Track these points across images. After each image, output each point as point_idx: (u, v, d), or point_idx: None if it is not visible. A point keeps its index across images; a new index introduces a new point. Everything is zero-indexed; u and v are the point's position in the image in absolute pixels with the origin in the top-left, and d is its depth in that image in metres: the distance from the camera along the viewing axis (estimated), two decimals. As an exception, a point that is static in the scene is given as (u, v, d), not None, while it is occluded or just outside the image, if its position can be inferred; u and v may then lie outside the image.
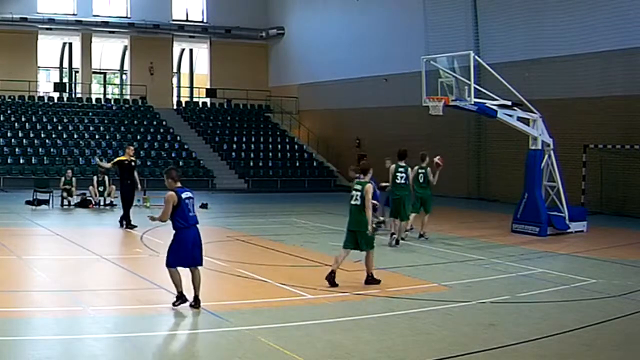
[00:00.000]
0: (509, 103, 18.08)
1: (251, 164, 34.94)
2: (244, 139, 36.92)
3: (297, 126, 39.10)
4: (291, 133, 38.95)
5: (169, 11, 39.11)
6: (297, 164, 35.89)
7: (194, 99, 41.44)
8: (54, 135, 32.73)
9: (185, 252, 9.37)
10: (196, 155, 34.33)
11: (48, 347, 7.75)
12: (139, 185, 18.86)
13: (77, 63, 38.82)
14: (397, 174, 15.58)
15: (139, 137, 34.55)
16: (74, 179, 23.11)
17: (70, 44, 39.13)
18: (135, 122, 36.17)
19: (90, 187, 23.01)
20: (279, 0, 40.76)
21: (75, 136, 33.06)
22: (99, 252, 14.11)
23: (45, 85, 39.10)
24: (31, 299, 10.11)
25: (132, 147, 19.15)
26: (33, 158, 30.31)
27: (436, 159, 16.67)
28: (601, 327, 9.15)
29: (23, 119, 33.68)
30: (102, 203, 22.87)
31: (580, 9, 23.91)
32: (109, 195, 23.04)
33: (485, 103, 17.70)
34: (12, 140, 31.71)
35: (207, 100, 40.63)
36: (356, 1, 34.24)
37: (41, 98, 36.65)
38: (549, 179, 18.54)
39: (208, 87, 40.78)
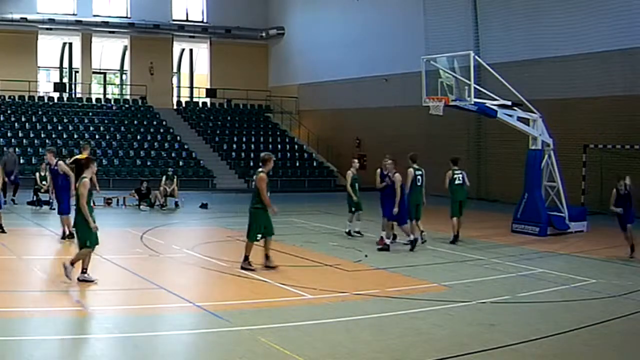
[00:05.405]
0: (509, 103, 18.09)
1: (251, 164, 34.85)
2: (244, 139, 36.90)
3: (297, 126, 39.09)
4: (291, 133, 38.94)
5: (169, 11, 39.09)
6: (297, 164, 35.87)
7: (194, 99, 41.42)
8: (54, 135, 32.70)
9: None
10: (196, 155, 34.31)
11: (48, 347, 7.76)
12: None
13: (77, 63, 38.80)
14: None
15: (139, 137, 34.55)
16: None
17: (70, 44, 39.11)
18: (135, 122, 36.16)
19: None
20: (279, 0, 40.77)
21: (75, 136, 33.02)
22: (99, 252, 14.08)
23: (45, 85, 39.05)
24: (31, 299, 10.09)
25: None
26: (33, 158, 30.29)
27: None
28: (601, 327, 9.15)
29: (23, 119, 33.67)
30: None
31: (580, 9, 23.89)
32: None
33: (485, 103, 17.70)
34: (12, 140, 31.68)
35: (207, 100, 40.61)
36: (356, 1, 34.24)
37: (41, 98, 36.64)
38: (549, 179, 18.54)
39: (208, 87, 40.76)
